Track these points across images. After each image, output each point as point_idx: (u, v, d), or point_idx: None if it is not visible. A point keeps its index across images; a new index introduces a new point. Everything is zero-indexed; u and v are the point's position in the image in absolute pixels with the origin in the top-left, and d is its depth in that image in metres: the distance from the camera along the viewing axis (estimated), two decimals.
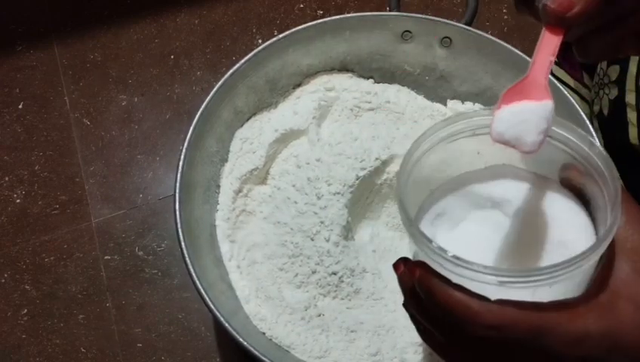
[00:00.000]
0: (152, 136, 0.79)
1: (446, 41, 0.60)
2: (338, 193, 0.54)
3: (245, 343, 0.45)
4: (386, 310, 0.53)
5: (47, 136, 0.79)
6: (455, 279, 0.30)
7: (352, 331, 0.51)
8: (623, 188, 0.31)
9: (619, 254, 0.30)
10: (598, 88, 0.58)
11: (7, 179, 0.76)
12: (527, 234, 0.33)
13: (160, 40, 0.86)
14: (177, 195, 0.51)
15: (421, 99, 0.64)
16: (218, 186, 0.57)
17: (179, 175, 0.52)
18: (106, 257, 0.71)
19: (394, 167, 0.57)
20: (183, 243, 0.49)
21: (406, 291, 0.33)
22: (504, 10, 0.90)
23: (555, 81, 0.55)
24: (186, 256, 0.48)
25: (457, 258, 0.28)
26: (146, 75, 0.83)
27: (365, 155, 0.56)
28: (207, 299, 0.46)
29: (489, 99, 0.61)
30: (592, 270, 0.31)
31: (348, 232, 0.54)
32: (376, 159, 0.56)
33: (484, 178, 0.36)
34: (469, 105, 0.62)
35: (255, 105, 0.60)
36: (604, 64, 0.57)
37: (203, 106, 0.55)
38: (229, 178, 0.57)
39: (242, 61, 0.57)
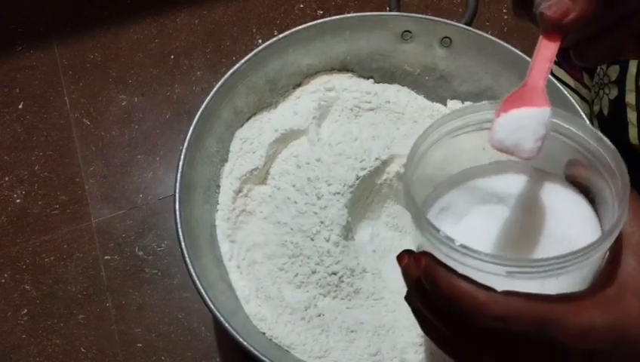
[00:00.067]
0: (152, 136, 0.79)
1: (446, 41, 0.60)
2: (338, 193, 0.54)
3: (245, 343, 0.45)
4: (386, 310, 0.53)
5: (47, 136, 0.79)
6: (461, 270, 0.30)
7: (352, 331, 0.51)
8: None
9: (625, 249, 0.30)
10: (598, 88, 0.58)
11: (7, 179, 0.76)
12: (531, 229, 0.33)
13: (160, 40, 0.86)
14: (177, 195, 0.51)
15: (421, 99, 0.64)
16: (218, 186, 0.57)
17: (179, 175, 0.52)
18: (106, 257, 0.71)
19: (394, 167, 0.57)
20: (183, 243, 0.49)
21: (410, 283, 0.33)
22: (504, 10, 0.90)
23: (555, 81, 0.55)
24: (186, 256, 0.48)
25: (465, 247, 0.28)
26: (146, 75, 0.83)
27: (365, 155, 0.56)
28: (207, 299, 0.46)
29: (489, 99, 0.61)
30: (598, 264, 0.31)
31: (348, 232, 0.54)
32: (376, 159, 0.56)
33: (488, 173, 0.36)
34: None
35: (255, 105, 0.60)
36: (604, 64, 0.57)
37: (203, 106, 0.55)
38: (229, 178, 0.57)
39: (242, 61, 0.57)
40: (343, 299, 0.53)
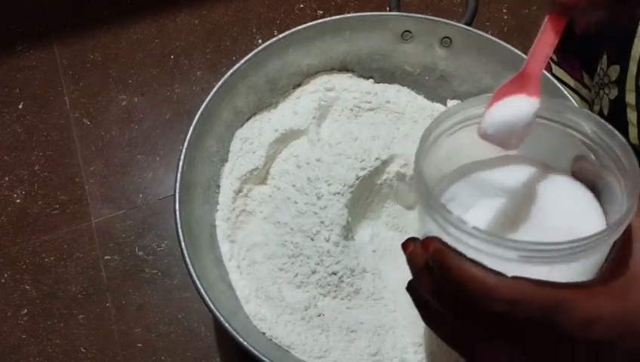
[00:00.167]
0: (152, 136, 0.79)
1: (446, 41, 0.60)
2: (338, 193, 0.54)
3: (245, 343, 0.45)
4: (386, 310, 0.53)
5: (47, 136, 0.79)
6: (470, 255, 0.29)
7: (352, 331, 0.51)
8: None
9: (635, 241, 0.30)
10: (598, 88, 0.58)
11: (7, 179, 0.76)
12: (536, 222, 0.33)
13: (160, 40, 0.86)
14: (177, 195, 0.51)
15: (421, 99, 0.64)
16: (218, 186, 0.57)
17: (179, 175, 0.52)
18: (106, 257, 0.71)
19: (394, 167, 0.57)
20: (183, 243, 0.49)
21: (416, 270, 0.32)
22: (504, 10, 0.90)
23: (555, 81, 0.55)
24: (186, 256, 0.48)
25: (477, 229, 0.28)
26: (146, 75, 0.83)
27: (365, 155, 0.56)
28: (207, 299, 0.46)
29: None
30: (604, 257, 0.31)
31: (348, 232, 0.54)
32: (376, 159, 0.56)
33: (494, 166, 0.36)
34: None
35: (255, 105, 0.60)
36: (604, 64, 0.57)
37: (203, 106, 0.55)
38: (229, 178, 0.57)
39: (242, 61, 0.57)
40: (343, 299, 0.53)
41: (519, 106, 0.32)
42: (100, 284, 0.69)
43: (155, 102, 0.81)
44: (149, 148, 0.78)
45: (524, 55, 0.56)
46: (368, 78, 0.64)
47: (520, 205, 0.34)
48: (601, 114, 0.57)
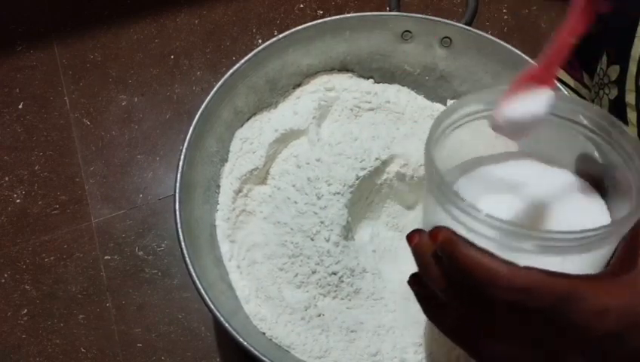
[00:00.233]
0: (152, 136, 0.79)
1: (446, 41, 0.60)
2: (338, 193, 0.54)
3: (245, 343, 0.45)
4: (386, 310, 0.53)
5: (47, 136, 0.79)
6: (480, 244, 0.29)
7: (352, 331, 0.51)
8: None
9: None
10: (598, 88, 0.58)
11: (7, 179, 0.76)
12: (540, 218, 0.33)
13: (160, 40, 0.86)
14: (177, 195, 0.51)
15: (421, 99, 0.64)
16: (218, 186, 0.57)
17: (179, 175, 0.52)
18: (106, 257, 0.71)
19: (394, 167, 0.57)
20: (183, 243, 0.49)
21: (422, 261, 0.32)
22: (504, 10, 0.90)
23: (555, 81, 0.56)
24: (186, 256, 0.48)
25: (491, 216, 0.28)
26: (146, 75, 0.83)
27: (365, 155, 0.56)
28: (207, 299, 0.46)
29: None
30: (612, 251, 0.31)
31: (348, 232, 0.54)
32: (376, 159, 0.56)
33: (499, 161, 0.36)
34: None
35: (255, 105, 0.60)
36: (604, 64, 0.57)
37: (203, 106, 0.55)
38: (229, 178, 0.57)
39: (242, 61, 0.57)
40: (343, 299, 0.53)
41: (536, 99, 0.32)
42: (100, 284, 0.69)
43: (155, 102, 0.81)
44: (149, 148, 0.78)
45: (524, 55, 0.56)
46: (368, 78, 0.64)
47: (526, 201, 0.34)
48: None
